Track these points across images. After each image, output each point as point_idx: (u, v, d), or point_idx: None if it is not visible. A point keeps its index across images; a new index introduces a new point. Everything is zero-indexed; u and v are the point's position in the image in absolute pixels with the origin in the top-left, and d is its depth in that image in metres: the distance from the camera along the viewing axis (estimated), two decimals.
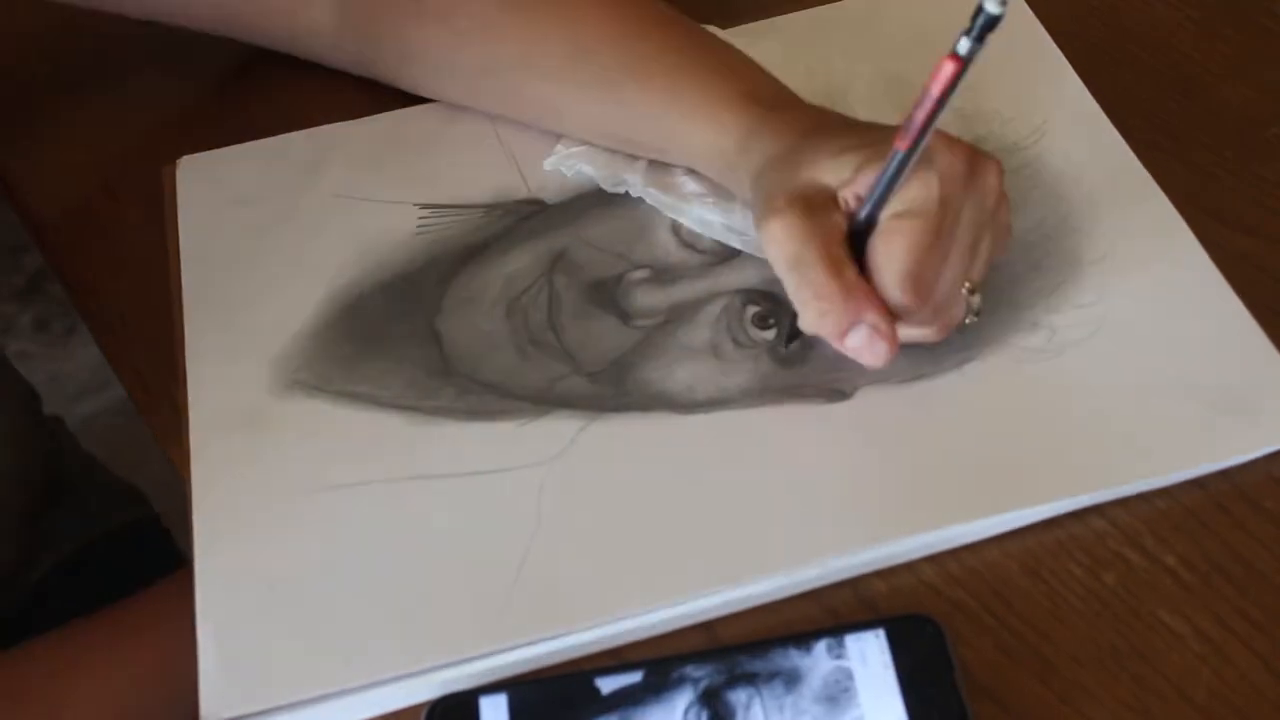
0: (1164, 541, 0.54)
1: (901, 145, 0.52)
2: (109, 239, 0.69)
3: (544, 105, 0.67)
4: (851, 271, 0.54)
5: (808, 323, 0.55)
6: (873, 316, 0.53)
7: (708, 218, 0.64)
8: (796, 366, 0.59)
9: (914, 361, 0.59)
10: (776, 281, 0.62)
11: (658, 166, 0.66)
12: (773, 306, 0.61)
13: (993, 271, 0.61)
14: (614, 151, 0.66)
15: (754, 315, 0.61)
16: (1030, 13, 0.72)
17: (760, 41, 0.72)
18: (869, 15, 0.73)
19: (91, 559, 0.81)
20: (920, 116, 0.51)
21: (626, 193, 0.66)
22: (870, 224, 0.54)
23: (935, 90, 0.50)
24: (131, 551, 0.83)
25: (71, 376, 1.44)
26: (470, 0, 0.67)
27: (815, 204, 0.55)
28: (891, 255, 0.53)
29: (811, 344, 0.60)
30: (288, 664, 0.53)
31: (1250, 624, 0.52)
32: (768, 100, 0.61)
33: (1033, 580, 0.53)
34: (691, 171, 0.65)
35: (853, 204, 0.55)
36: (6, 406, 0.78)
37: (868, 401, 0.58)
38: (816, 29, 0.73)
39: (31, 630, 0.65)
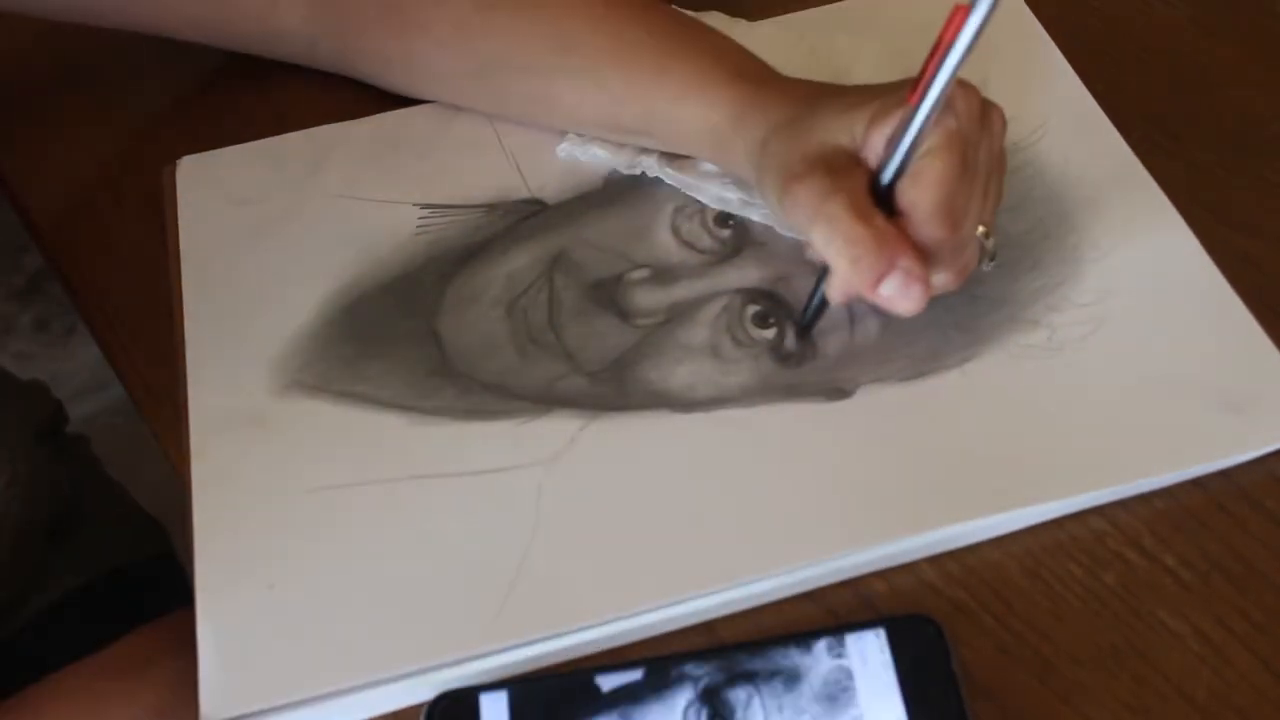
0: (1164, 541, 0.54)
1: (915, 100, 0.52)
2: (109, 239, 0.69)
3: (533, 100, 0.68)
4: (880, 219, 0.54)
5: (843, 270, 0.54)
6: (906, 260, 0.53)
7: (726, 195, 0.64)
8: (796, 365, 0.60)
9: (915, 360, 0.59)
10: (777, 281, 0.62)
11: (671, 155, 0.66)
12: (772, 306, 0.61)
13: (994, 270, 0.61)
14: (621, 146, 0.67)
15: (754, 314, 0.61)
16: (1030, 13, 0.72)
17: (762, 36, 0.72)
18: (871, 14, 0.73)
19: (98, 594, 0.80)
20: (934, 69, 0.51)
21: (642, 173, 0.66)
22: (897, 175, 0.54)
23: (956, 41, 0.51)
24: (142, 589, 0.82)
25: (71, 376, 1.44)
26: (447, 5, 0.67)
27: (835, 164, 0.55)
28: (925, 189, 0.54)
29: (812, 342, 0.60)
30: (287, 664, 0.53)
31: (1250, 624, 0.52)
32: (756, 76, 0.62)
33: (1033, 580, 0.53)
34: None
35: (872, 157, 0.55)
36: (22, 430, 0.78)
37: (868, 400, 0.58)
38: (820, 27, 0.73)
39: (31, 662, 0.65)
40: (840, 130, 0.56)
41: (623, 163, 0.66)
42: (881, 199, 0.55)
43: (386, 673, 0.52)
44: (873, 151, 0.55)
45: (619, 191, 0.67)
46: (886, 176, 0.54)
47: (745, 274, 0.62)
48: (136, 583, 0.82)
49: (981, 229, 0.57)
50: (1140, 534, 0.54)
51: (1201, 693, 0.50)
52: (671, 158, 0.66)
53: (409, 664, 0.52)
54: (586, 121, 0.67)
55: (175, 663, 0.55)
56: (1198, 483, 0.55)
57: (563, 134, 0.68)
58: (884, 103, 0.55)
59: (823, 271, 0.57)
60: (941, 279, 0.56)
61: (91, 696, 0.63)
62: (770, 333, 0.60)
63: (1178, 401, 0.57)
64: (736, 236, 0.64)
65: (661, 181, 0.66)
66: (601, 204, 0.66)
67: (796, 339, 0.60)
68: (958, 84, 0.53)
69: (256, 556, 0.56)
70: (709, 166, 0.65)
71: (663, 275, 0.63)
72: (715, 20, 0.72)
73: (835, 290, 0.56)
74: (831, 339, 0.60)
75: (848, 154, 0.56)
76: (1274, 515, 0.54)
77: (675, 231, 0.65)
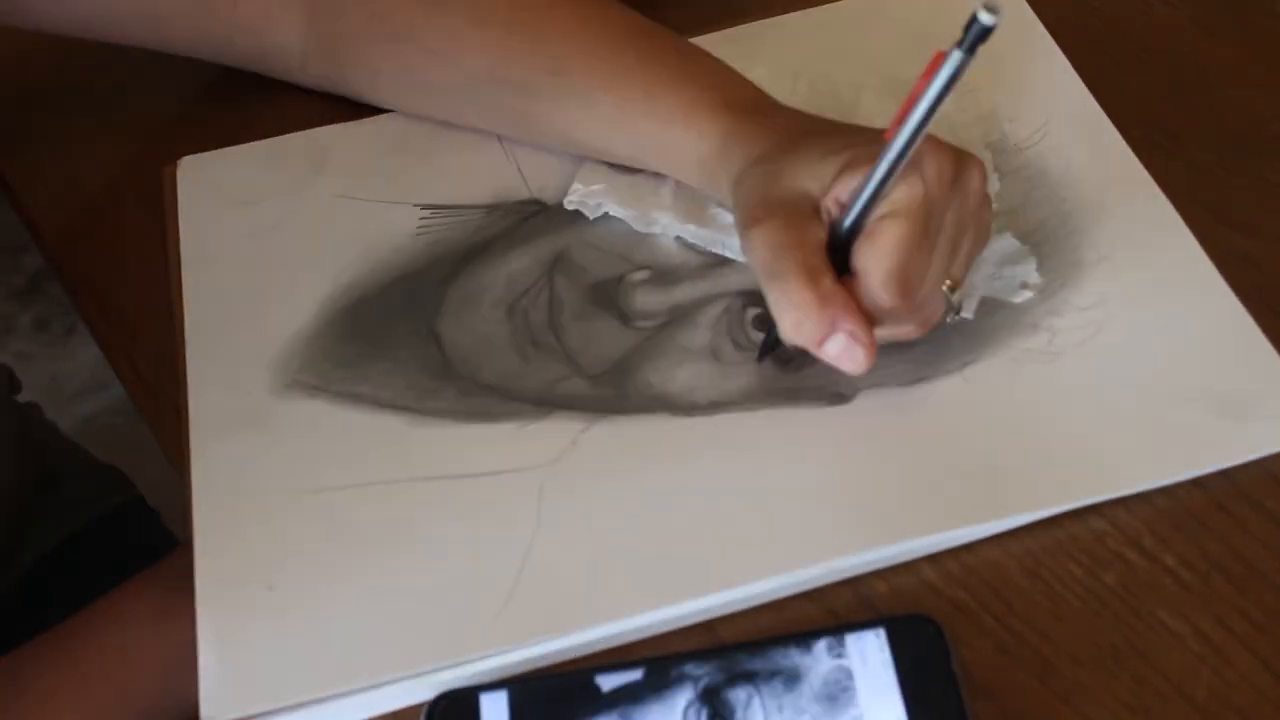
0: (1164, 541, 0.54)
1: (887, 139, 0.52)
2: (109, 239, 0.69)
3: (523, 119, 0.67)
4: (829, 280, 0.53)
5: (785, 332, 0.54)
6: (849, 324, 0.53)
7: (729, 252, 0.63)
8: (797, 369, 0.59)
9: (914, 364, 0.59)
10: None
11: (685, 199, 0.64)
12: None
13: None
14: (634, 183, 0.65)
15: (754, 317, 0.61)
16: (1031, 13, 0.72)
17: (762, 40, 0.72)
18: (870, 15, 0.73)
19: (80, 546, 0.81)
20: (906, 123, 0.51)
21: (662, 234, 0.65)
22: (854, 231, 0.54)
23: (923, 97, 0.50)
24: (120, 535, 0.83)
25: (71, 376, 1.44)
26: (440, 16, 0.66)
27: (795, 212, 0.55)
28: (877, 255, 0.53)
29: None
30: (287, 665, 0.52)
31: (1250, 624, 0.52)
32: (745, 106, 0.61)
33: (1032, 580, 0.53)
34: (717, 204, 0.64)
35: (835, 211, 0.54)
36: None
37: (868, 404, 0.58)
38: (818, 28, 0.73)
39: (19, 622, 0.65)
40: (809, 176, 0.55)
41: (639, 221, 0.65)
42: (841, 250, 0.54)
43: (387, 675, 0.52)
44: (834, 204, 0.54)
45: None
46: (845, 226, 0.54)
47: (746, 277, 0.62)
48: (115, 531, 0.82)
49: (948, 284, 0.56)
50: (1140, 534, 0.54)
51: (1201, 693, 0.50)
52: (686, 210, 0.64)
53: (409, 666, 0.52)
54: (577, 144, 0.66)
55: (172, 611, 0.55)
56: (1198, 483, 0.55)
57: (577, 165, 0.66)
58: (856, 154, 0.54)
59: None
60: (898, 332, 0.56)
61: (87, 650, 0.63)
62: (771, 335, 0.60)
63: (1178, 405, 0.56)
64: None
65: (661, 181, 0.66)
66: None
67: (760, 357, 0.60)
68: (929, 143, 0.52)
69: (257, 558, 0.56)
70: (729, 219, 0.63)
71: (663, 277, 0.63)
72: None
73: (784, 338, 0.56)
74: None
75: (811, 202, 0.55)
76: (1274, 515, 0.54)
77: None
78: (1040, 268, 0.61)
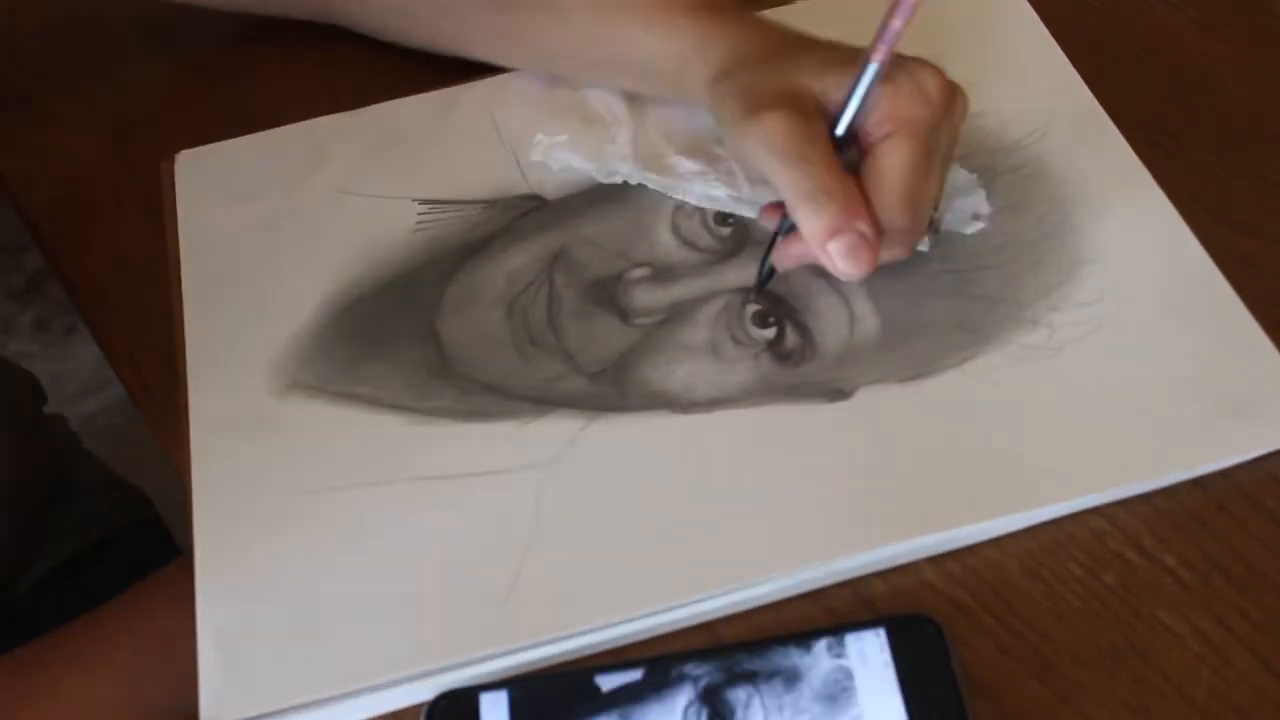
0: (1164, 541, 0.54)
1: (876, 58, 0.54)
2: (109, 239, 0.69)
3: (498, 37, 0.69)
4: (851, 178, 0.55)
5: (803, 216, 0.54)
6: (864, 224, 0.54)
7: (712, 193, 0.64)
8: (796, 365, 0.59)
9: (914, 360, 0.59)
10: (777, 280, 0.62)
11: (645, 147, 0.66)
12: (773, 305, 0.61)
13: (995, 269, 0.61)
14: (595, 134, 0.66)
15: (754, 314, 0.61)
16: (1032, 12, 0.72)
17: None
18: (867, 8, 0.73)
19: (90, 560, 0.81)
20: (897, 26, 0.53)
21: (625, 182, 0.66)
22: (844, 139, 0.56)
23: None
24: (132, 553, 0.83)
25: (71, 376, 1.44)
26: None
27: (805, 106, 0.56)
28: (893, 175, 0.54)
29: (812, 343, 0.60)
30: (287, 666, 0.52)
31: (1250, 624, 0.51)
32: (720, 7, 0.63)
33: (1032, 580, 0.53)
34: (683, 152, 0.65)
35: (830, 111, 0.56)
36: (4, 405, 0.78)
37: (867, 400, 0.58)
38: (817, 21, 0.73)
39: (28, 631, 0.65)
40: (813, 80, 0.56)
41: (600, 171, 0.66)
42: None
43: (386, 676, 0.52)
44: (833, 105, 0.56)
45: (619, 189, 0.66)
46: (841, 127, 0.56)
47: (746, 273, 0.62)
48: (128, 548, 0.82)
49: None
50: (1140, 534, 0.54)
51: (1201, 693, 0.50)
52: (649, 161, 0.66)
53: (409, 667, 0.52)
54: (552, 56, 0.67)
55: (172, 614, 0.55)
56: (1198, 483, 0.55)
57: (536, 137, 0.67)
58: (857, 65, 0.56)
59: (773, 238, 0.59)
60: (890, 254, 0.57)
61: (91, 651, 0.63)
62: (770, 332, 0.60)
63: (1178, 402, 0.56)
64: (737, 235, 0.64)
65: (620, 130, 0.66)
66: (601, 201, 0.66)
67: (756, 291, 0.61)
68: (929, 69, 0.55)
69: (256, 558, 0.55)
70: (689, 165, 0.65)
71: (663, 274, 0.63)
72: None
73: (783, 254, 0.57)
74: (831, 338, 0.60)
75: (819, 103, 0.56)
76: (1274, 515, 0.54)
77: (675, 230, 0.65)
78: (1040, 265, 0.61)
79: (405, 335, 0.62)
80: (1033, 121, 0.67)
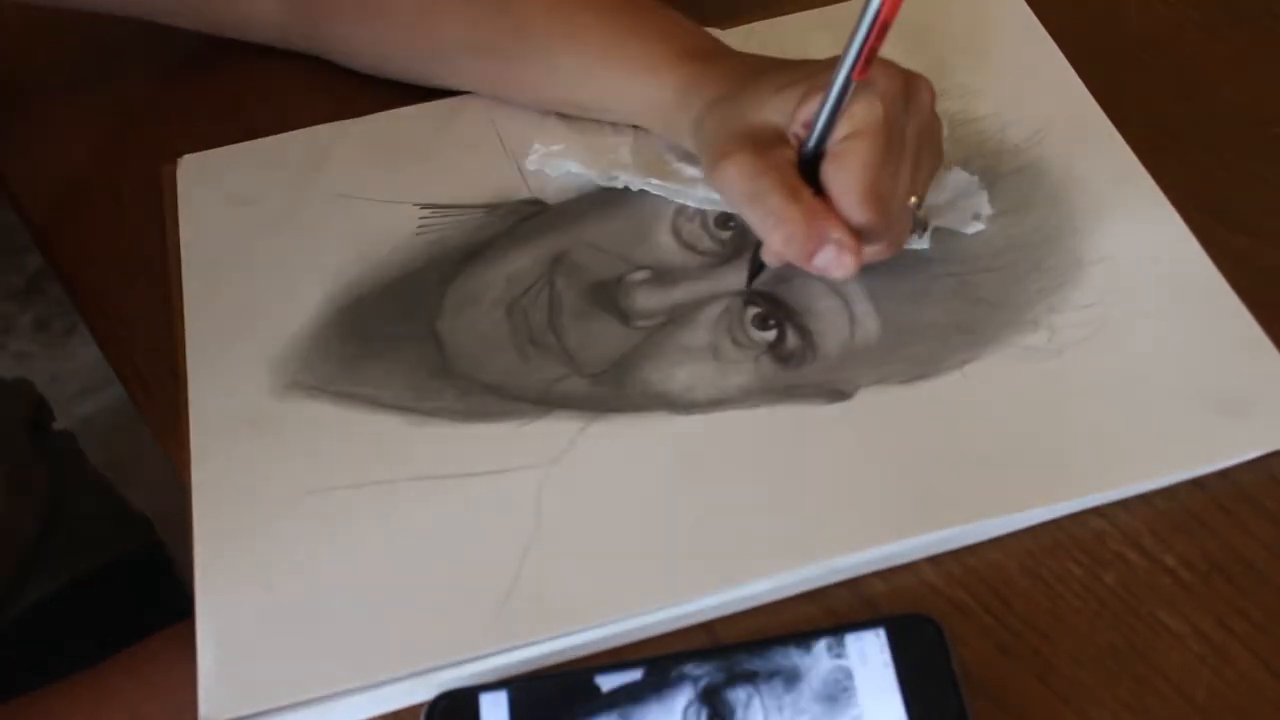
0: (1164, 541, 0.54)
1: (838, 80, 0.55)
2: (109, 239, 0.69)
3: (492, 81, 0.70)
4: (808, 194, 0.56)
5: (774, 250, 0.57)
6: (836, 232, 0.55)
7: (713, 196, 0.64)
8: (796, 367, 0.59)
9: (914, 362, 0.59)
10: (777, 282, 0.62)
11: (645, 152, 0.66)
12: (773, 308, 0.61)
13: (996, 271, 0.61)
14: (592, 143, 0.67)
15: (754, 316, 0.61)
16: (1030, 13, 0.72)
17: (764, 40, 0.72)
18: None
19: (91, 589, 0.80)
20: (858, 40, 0.53)
21: (626, 187, 0.66)
22: (819, 153, 0.56)
23: (872, 13, 0.52)
24: (131, 584, 0.82)
25: (71, 376, 1.44)
26: None
27: (763, 141, 0.57)
28: (848, 174, 0.55)
29: (812, 345, 0.60)
30: (286, 665, 0.52)
31: (1250, 624, 0.52)
32: (700, 53, 0.64)
33: (1032, 580, 0.53)
34: (684, 158, 0.65)
35: (802, 133, 0.57)
36: (7, 426, 0.77)
37: (867, 402, 0.58)
38: (820, 29, 0.73)
39: (20, 660, 0.65)
40: (771, 109, 0.58)
41: (601, 176, 0.66)
42: (809, 174, 0.57)
43: (385, 675, 0.52)
44: (801, 128, 0.57)
45: (619, 193, 0.66)
46: (810, 147, 0.56)
47: (745, 276, 0.62)
48: (127, 576, 0.82)
49: (913, 200, 0.58)
50: (1140, 534, 0.54)
51: (1201, 693, 0.50)
52: (648, 165, 0.66)
53: (408, 666, 0.52)
54: (545, 100, 0.69)
55: (175, 677, 0.55)
56: (1198, 483, 0.55)
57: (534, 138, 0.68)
58: (814, 81, 0.57)
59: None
60: (872, 250, 0.57)
61: (92, 708, 0.63)
62: (770, 334, 0.60)
63: (1178, 403, 0.56)
64: (737, 238, 0.64)
65: (620, 138, 0.66)
66: (602, 205, 0.66)
67: (749, 282, 0.61)
68: (879, 66, 0.55)
69: (256, 558, 0.55)
70: (691, 171, 0.65)
71: (663, 277, 0.63)
72: None
73: (770, 257, 0.58)
74: (831, 340, 0.60)
75: (776, 131, 0.58)
76: (1274, 515, 0.54)
77: (676, 233, 0.65)
78: (1040, 267, 0.61)
79: (406, 336, 0.62)
80: (1033, 124, 0.67)
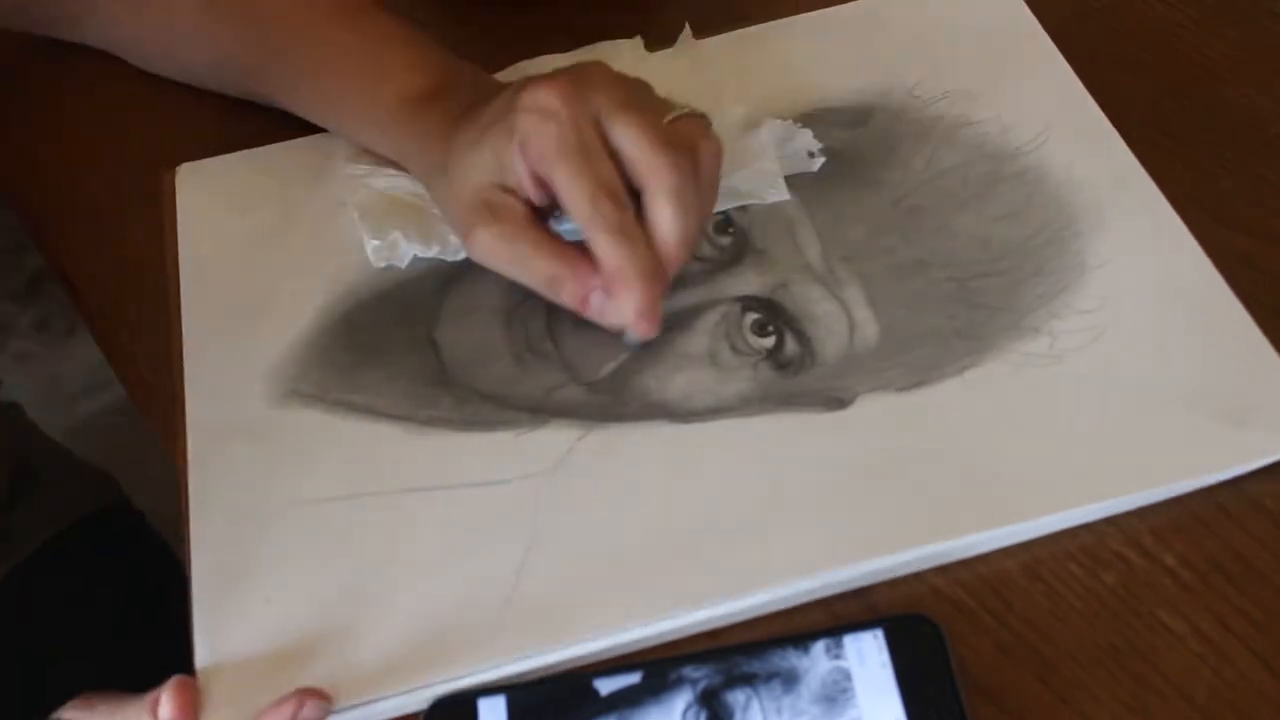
0: (1164, 541, 0.54)
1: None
2: (109, 239, 0.69)
3: (259, 97, 0.71)
4: (562, 247, 0.58)
5: (559, 299, 0.58)
6: (595, 280, 0.57)
7: (574, 227, 0.63)
8: (795, 374, 0.59)
9: (914, 369, 0.59)
10: (776, 288, 0.62)
11: None
12: (771, 314, 0.61)
13: (996, 276, 0.61)
14: (420, 211, 0.65)
15: (753, 323, 0.61)
16: (1030, 14, 0.72)
17: (763, 43, 0.72)
18: (870, 19, 0.73)
19: (61, 550, 0.80)
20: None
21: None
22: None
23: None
24: (103, 539, 0.82)
25: (71, 376, 1.44)
26: (181, 5, 0.70)
27: (494, 205, 0.58)
28: (668, 232, 0.56)
29: (811, 352, 0.60)
30: (284, 678, 0.52)
31: (1250, 624, 0.51)
32: (416, 98, 0.64)
33: (1032, 580, 0.53)
34: None
35: (525, 189, 0.58)
36: None
37: (867, 410, 0.58)
38: (820, 31, 0.73)
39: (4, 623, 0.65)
40: (480, 169, 0.58)
41: (445, 253, 0.64)
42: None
43: (381, 690, 0.52)
44: (520, 178, 0.57)
45: None
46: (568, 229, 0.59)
47: (744, 282, 0.62)
48: (97, 535, 0.82)
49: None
50: (1140, 534, 0.54)
51: (1201, 693, 0.50)
52: None
53: (406, 679, 0.52)
54: (308, 117, 0.69)
55: None
56: None
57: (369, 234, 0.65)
58: (498, 142, 0.57)
59: None
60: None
61: None
62: (769, 341, 0.60)
63: (1180, 411, 0.56)
64: (736, 244, 0.64)
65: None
66: None
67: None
68: (679, 132, 0.57)
69: (253, 568, 0.55)
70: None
71: None
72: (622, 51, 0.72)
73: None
74: (830, 347, 0.60)
75: (501, 189, 0.58)
76: (1274, 515, 0.54)
77: None
78: (1041, 272, 0.61)
79: (403, 344, 0.62)
80: (1034, 127, 0.66)
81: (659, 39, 0.72)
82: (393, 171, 0.66)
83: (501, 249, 0.58)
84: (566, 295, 0.58)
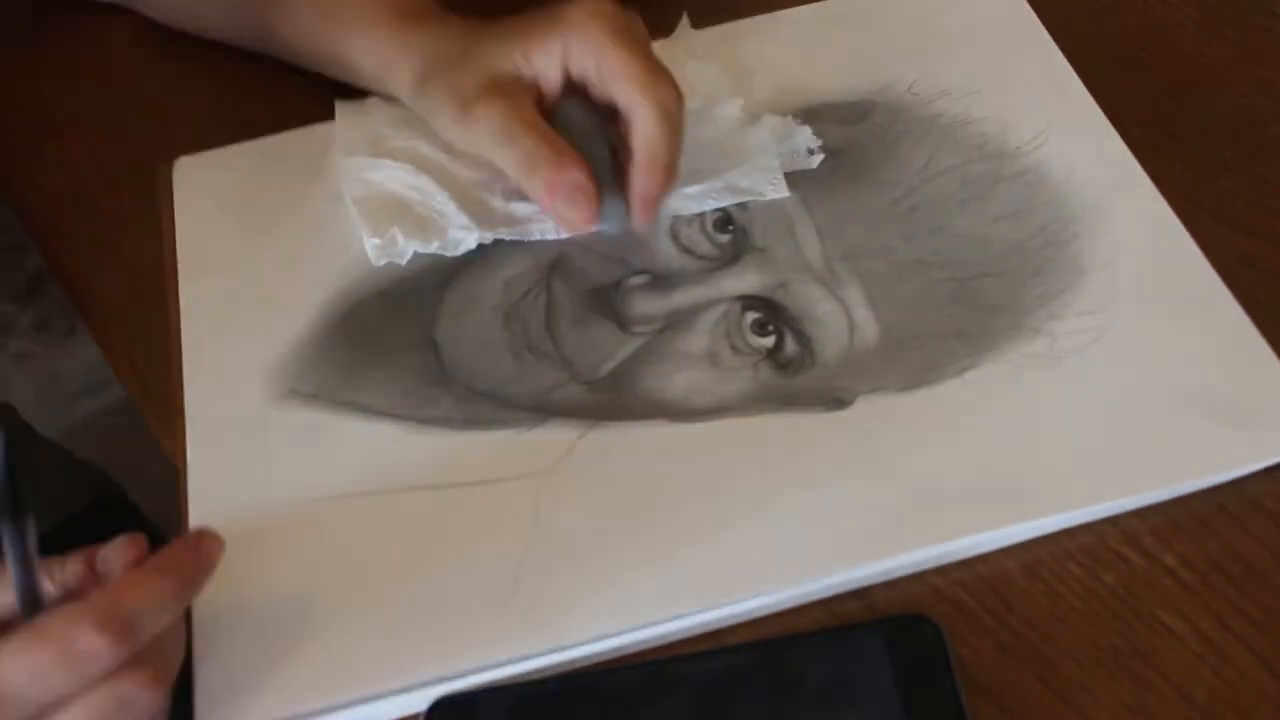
0: (1164, 541, 0.54)
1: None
2: (109, 239, 0.69)
3: (260, 36, 0.72)
4: (557, 138, 0.61)
5: (525, 185, 0.61)
6: (577, 175, 0.60)
7: (546, 228, 0.64)
8: (795, 374, 0.59)
9: (914, 369, 0.59)
10: (776, 288, 0.62)
11: (478, 207, 0.65)
12: (771, 313, 0.61)
13: (996, 276, 0.61)
14: (417, 208, 0.65)
15: (753, 322, 0.61)
16: (1032, 14, 0.72)
17: (758, 35, 0.72)
18: (870, 14, 0.73)
19: (59, 547, 0.80)
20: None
21: (479, 244, 0.64)
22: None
23: None
24: (100, 533, 0.82)
25: (71, 376, 1.44)
26: None
27: (509, 90, 0.62)
28: (657, 152, 0.61)
29: (811, 351, 0.60)
30: (282, 677, 0.52)
31: (1250, 624, 0.52)
32: (418, 14, 0.67)
33: (1033, 580, 0.53)
34: (511, 197, 0.65)
35: (543, 84, 0.62)
36: None
37: (867, 410, 0.58)
38: (819, 25, 0.73)
39: None
40: (505, 59, 0.62)
41: (448, 247, 0.64)
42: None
43: (382, 687, 0.52)
44: (540, 75, 0.62)
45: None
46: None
47: (744, 281, 0.62)
48: (94, 529, 0.82)
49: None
50: (1140, 534, 0.54)
51: (1201, 693, 0.50)
52: (484, 219, 0.64)
53: (405, 678, 0.52)
54: (302, 57, 0.71)
55: None
56: None
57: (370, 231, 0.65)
58: (537, 34, 0.62)
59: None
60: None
61: None
62: (769, 340, 0.60)
63: (1179, 412, 0.56)
64: (736, 243, 0.64)
65: (436, 192, 0.65)
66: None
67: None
68: (650, 76, 0.61)
69: (251, 569, 0.55)
70: (524, 209, 0.64)
71: (661, 282, 0.63)
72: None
73: (523, 188, 0.62)
74: (830, 347, 0.60)
75: (517, 79, 0.62)
76: (1274, 515, 0.54)
77: (674, 237, 0.64)
78: (1042, 273, 0.61)
79: (403, 342, 0.62)
80: (1034, 127, 0.66)
81: (657, 29, 0.72)
82: (388, 163, 0.66)
83: (497, 122, 0.61)
84: (539, 178, 0.60)
